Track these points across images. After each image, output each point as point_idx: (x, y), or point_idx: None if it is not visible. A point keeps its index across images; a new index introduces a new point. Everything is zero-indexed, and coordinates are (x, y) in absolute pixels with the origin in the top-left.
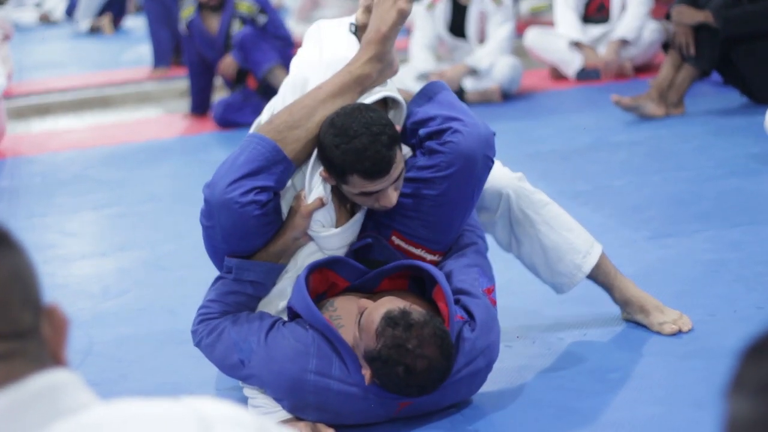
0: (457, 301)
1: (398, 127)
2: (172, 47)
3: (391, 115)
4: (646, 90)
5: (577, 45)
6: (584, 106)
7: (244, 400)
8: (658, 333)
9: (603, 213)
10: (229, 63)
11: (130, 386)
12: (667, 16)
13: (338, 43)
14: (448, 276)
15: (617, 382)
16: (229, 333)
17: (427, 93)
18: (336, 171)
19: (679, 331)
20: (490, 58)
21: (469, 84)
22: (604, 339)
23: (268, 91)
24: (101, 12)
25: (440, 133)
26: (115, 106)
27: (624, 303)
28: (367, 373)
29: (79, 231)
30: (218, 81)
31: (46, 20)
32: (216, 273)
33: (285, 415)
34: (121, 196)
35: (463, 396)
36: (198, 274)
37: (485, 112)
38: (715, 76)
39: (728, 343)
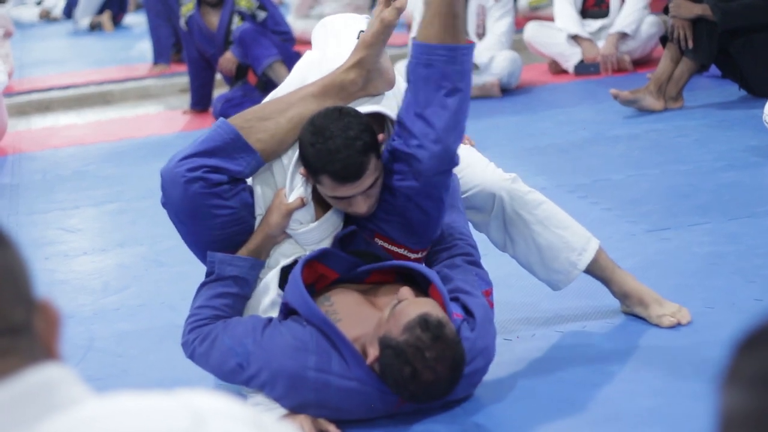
0: (456, 299)
1: (382, 137)
2: (172, 43)
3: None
4: (645, 83)
5: (575, 39)
6: (583, 100)
7: (243, 394)
8: (657, 326)
9: (602, 206)
10: (228, 59)
11: (131, 381)
12: (666, 10)
13: (342, 46)
14: (447, 278)
15: (616, 375)
16: (223, 339)
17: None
18: (310, 169)
19: (678, 324)
20: (490, 53)
21: None
22: (603, 332)
23: (268, 86)
24: (101, 9)
25: (407, 149)
26: (115, 103)
27: (623, 296)
28: (373, 353)
29: (79, 227)
30: (218, 77)
31: (46, 17)
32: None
33: (285, 410)
34: (121, 193)
35: (461, 394)
36: (198, 270)
37: (485, 106)
38: (714, 70)
39: (727, 336)
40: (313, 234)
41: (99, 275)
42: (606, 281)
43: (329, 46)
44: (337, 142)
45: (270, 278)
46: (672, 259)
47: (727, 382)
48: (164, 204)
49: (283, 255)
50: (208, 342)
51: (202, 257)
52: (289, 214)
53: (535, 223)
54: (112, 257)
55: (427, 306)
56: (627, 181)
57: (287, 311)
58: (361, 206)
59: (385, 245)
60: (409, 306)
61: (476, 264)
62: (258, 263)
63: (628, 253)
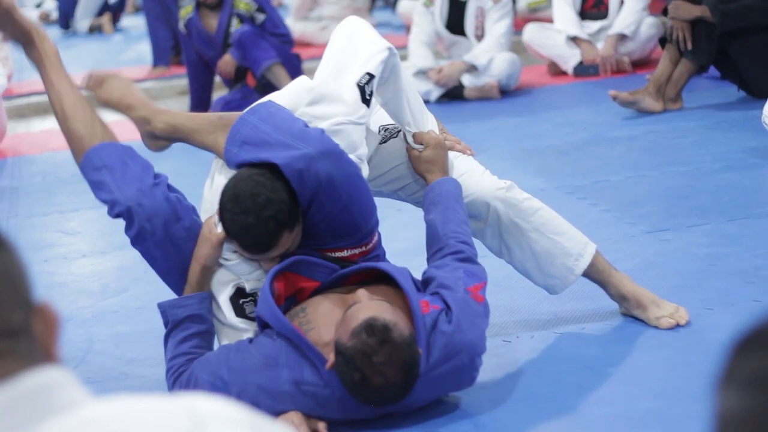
0: (437, 294)
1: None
2: (172, 46)
3: (392, 142)
4: (644, 85)
5: (575, 40)
6: (582, 102)
7: None
8: (656, 327)
9: (601, 208)
10: (227, 61)
11: (130, 383)
12: (665, 11)
13: (341, 88)
14: (431, 277)
15: (615, 377)
16: (201, 377)
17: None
18: (224, 228)
19: (677, 325)
20: (489, 55)
21: (467, 80)
22: (601, 333)
23: (267, 88)
24: (100, 12)
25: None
26: None
27: (620, 299)
28: (331, 358)
29: (78, 230)
30: (217, 79)
31: (46, 20)
32: None
33: None
34: None
35: (450, 391)
36: None
37: (484, 108)
38: (713, 71)
39: (725, 337)
40: (245, 265)
41: (98, 278)
42: (603, 284)
43: (329, 73)
44: (250, 219)
45: (227, 312)
46: (671, 261)
47: (723, 384)
48: (139, 237)
49: (220, 282)
50: (190, 387)
51: (179, 285)
52: (219, 244)
53: (531, 230)
54: (112, 260)
55: (375, 309)
56: (626, 183)
57: (262, 324)
58: (268, 266)
59: (329, 254)
60: (358, 310)
61: (467, 260)
62: (204, 296)
63: (627, 255)
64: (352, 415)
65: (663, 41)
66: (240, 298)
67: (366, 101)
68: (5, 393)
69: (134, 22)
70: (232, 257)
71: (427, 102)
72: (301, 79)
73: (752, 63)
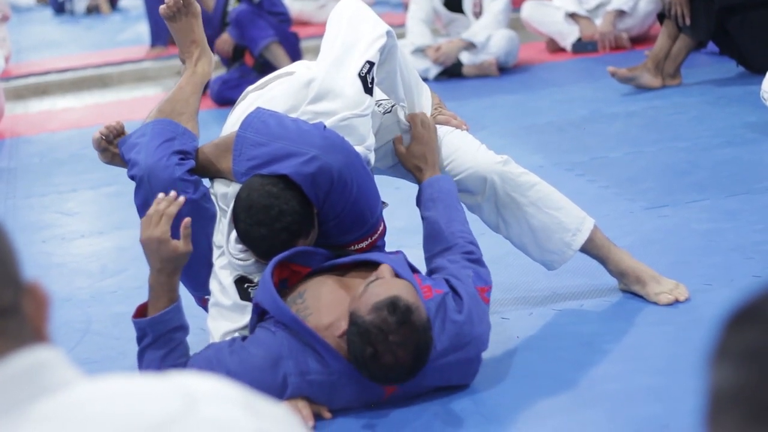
0: (444, 280)
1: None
2: None
3: (386, 117)
4: (643, 61)
5: (573, 17)
6: (581, 78)
7: None
8: (655, 303)
9: (599, 184)
10: (225, 40)
11: (128, 364)
12: None
13: (343, 77)
14: (441, 267)
15: (614, 353)
16: None
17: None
18: (238, 234)
19: (676, 301)
20: (487, 32)
21: (465, 58)
22: (600, 310)
23: (265, 67)
24: None
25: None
26: (113, 86)
27: (620, 275)
28: (343, 327)
29: (77, 210)
30: (215, 58)
31: (43, 1)
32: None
33: None
34: (118, 175)
35: (454, 382)
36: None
37: (482, 85)
38: (712, 47)
39: (725, 313)
40: (255, 266)
41: (96, 258)
42: (602, 260)
43: (330, 65)
44: (262, 231)
45: (233, 294)
46: (670, 237)
47: (716, 358)
48: (144, 203)
49: (224, 267)
50: None
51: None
52: (155, 240)
53: (528, 204)
54: (110, 240)
55: (400, 289)
56: (625, 159)
57: (260, 311)
58: None
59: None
60: (381, 285)
61: (477, 261)
62: (179, 305)
63: (626, 231)
64: (357, 401)
65: (661, 17)
66: (244, 282)
67: (369, 90)
68: None
69: (132, 2)
70: (244, 257)
71: (425, 80)
72: (298, 72)
73: (751, 38)
